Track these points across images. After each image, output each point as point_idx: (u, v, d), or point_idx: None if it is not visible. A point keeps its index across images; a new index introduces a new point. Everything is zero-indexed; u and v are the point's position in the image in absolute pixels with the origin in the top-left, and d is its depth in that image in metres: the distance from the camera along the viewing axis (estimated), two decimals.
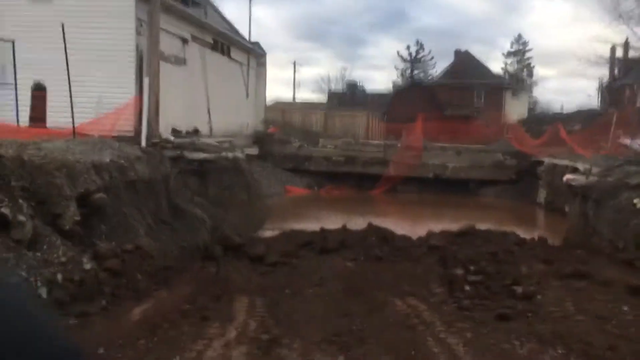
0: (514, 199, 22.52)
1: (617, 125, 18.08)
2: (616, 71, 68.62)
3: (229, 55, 22.04)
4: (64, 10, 14.66)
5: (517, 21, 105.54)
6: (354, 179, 23.96)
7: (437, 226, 12.04)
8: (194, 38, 18.44)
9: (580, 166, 17.15)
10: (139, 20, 14.87)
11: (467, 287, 6.53)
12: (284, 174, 23.17)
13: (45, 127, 13.76)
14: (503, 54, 78.82)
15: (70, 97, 11.00)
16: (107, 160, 7.31)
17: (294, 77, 68.83)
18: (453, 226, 11.52)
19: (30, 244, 5.74)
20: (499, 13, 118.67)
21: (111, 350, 4.18)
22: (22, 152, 6.32)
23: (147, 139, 12.35)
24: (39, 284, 5.30)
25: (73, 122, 10.86)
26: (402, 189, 23.77)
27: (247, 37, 25.02)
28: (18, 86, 13.39)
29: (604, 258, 9.60)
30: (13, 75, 13.13)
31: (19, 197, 5.88)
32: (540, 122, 32.27)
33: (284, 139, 25.44)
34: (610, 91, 48.96)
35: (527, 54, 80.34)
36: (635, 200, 10.21)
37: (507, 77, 77.85)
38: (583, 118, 29.65)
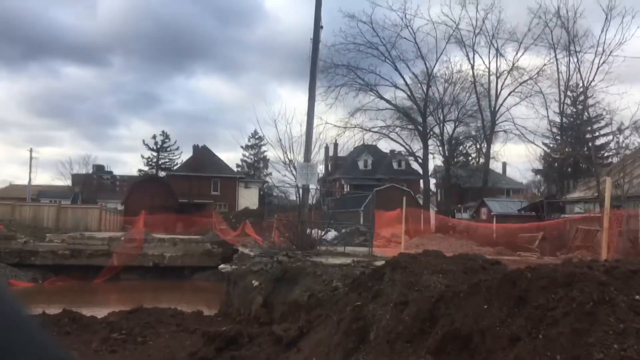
0: (220, 281, 27.63)
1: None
2: (329, 167, 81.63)
3: None
4: None
5: (264, 108, 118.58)
6: (79, 271, 26.25)
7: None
8: None
9: (251, 252, 22.95)
10: None
11: (112, 342, 10.84)
12: (8, 269, 24.72)
13: None
14: (242, 147, 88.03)
15: None
16: None
17: (30, 163, 67.19)
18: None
19: None
20: (249, 100, 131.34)
21: None
22: None
23: None
24: None
25: None
26: (125, 277, 27.00)
27: None
28: None
29: (232, 321, 14.76)
30: None
31: None
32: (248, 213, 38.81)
33: (9, 236, 27.07)
34: (324, 183, 59.02)
35: (263, 147, 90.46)
36: (253, 281, 15.75)
37: (245, 168, 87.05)
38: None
